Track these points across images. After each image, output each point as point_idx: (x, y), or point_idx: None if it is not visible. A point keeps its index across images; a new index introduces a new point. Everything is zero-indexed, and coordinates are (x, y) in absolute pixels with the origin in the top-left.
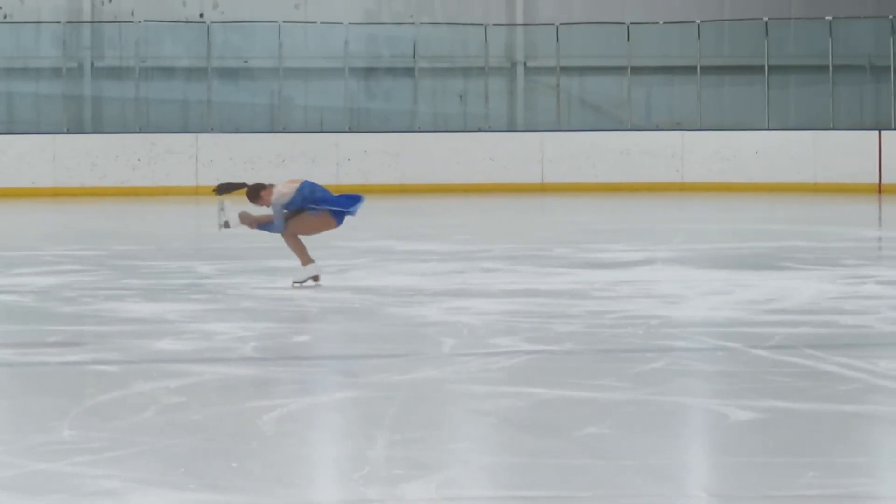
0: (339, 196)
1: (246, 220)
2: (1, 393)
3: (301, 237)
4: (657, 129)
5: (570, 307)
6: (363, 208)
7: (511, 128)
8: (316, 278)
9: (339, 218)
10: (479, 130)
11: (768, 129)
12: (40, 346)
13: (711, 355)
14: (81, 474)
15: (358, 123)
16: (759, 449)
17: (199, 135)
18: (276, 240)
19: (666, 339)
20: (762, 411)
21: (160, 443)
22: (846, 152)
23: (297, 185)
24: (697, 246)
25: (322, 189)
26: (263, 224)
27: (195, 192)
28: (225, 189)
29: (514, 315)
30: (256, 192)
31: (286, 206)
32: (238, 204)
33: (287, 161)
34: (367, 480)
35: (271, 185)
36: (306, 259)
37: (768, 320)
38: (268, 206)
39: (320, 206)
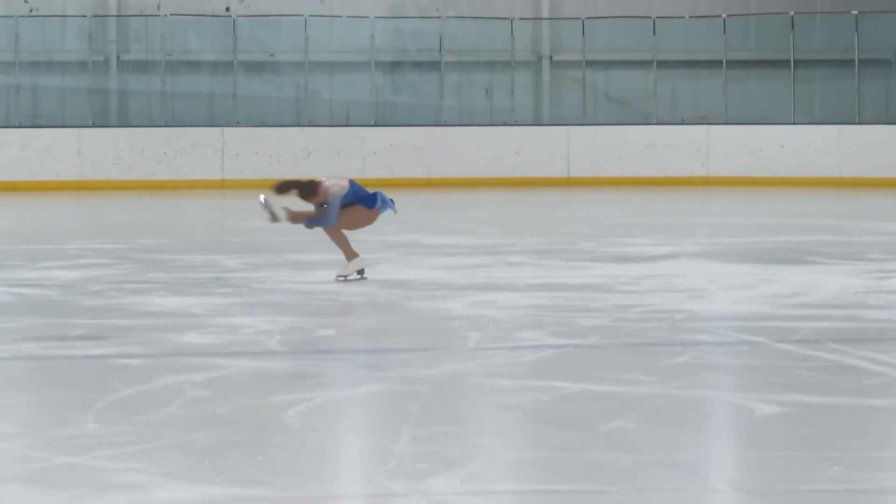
0: (376, 193)
1: (296, 218)
2: (26, 386)
3: (344, 231)
4: (682, 123)
5: (595, 301)
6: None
7: (537, 122)
8: (361, 272)
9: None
10: (505, 124)
11: (794, 124)
12: (65, 339)
13: (736, 349)
14: (106, 468)
15: (383, 117)
16: (784, 443)
17: (225, 128)
18: (302, 233)
19: (691, 333)
20: (787, 405)
21: (185, 437)
22: (871, 146)
23: (346, 180)
24: (722, 240)
25: (360, 187)
26: (313, 219)
27: (221, 185)
28: (284, 188)
29: (539, 309)
30: (313, 189)
31: (343, 200)
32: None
33: (312, 155)
34: (392, 475)
35: (320, 181)
36: (351, 253)
37: (793, 314)
38: (319, 203)
39: (368, 202)
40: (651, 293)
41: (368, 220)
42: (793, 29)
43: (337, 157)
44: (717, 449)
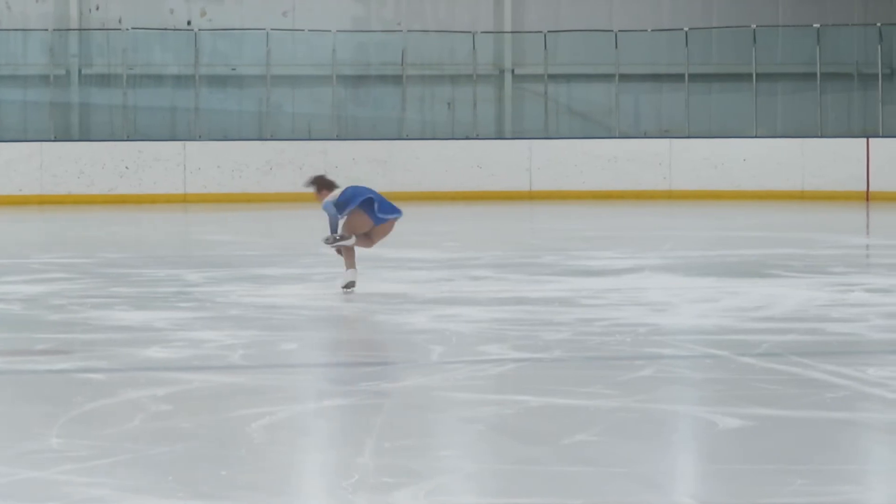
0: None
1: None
2: None
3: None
4: (645, 136)
5: (559, 315)
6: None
7: (499, 135)
8: (349, 285)
9: (374, 219)
10: (467, 138)
11: (756, 137)
12: (28, 353)
13: (699, 363)
14: (70, 482)
15: (346, 131)
16: (747, 456)
17: (187, 142)
18: (263, 247)
19: (654, 347)
20: (750, 419)
21: (148, 451)
22: (834, 160)
23: (343, 190)
24: (685, 253)
25: (363, 192)
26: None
27: (183, 199)
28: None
29: (502, 323)
30: (327, 185)
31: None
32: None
33: (275, 168)
34: (356, 488)
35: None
36: (350, 264)
37: (756, 328)
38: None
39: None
40: (614, 307)
41: (363, 224)
42: (755, 42)
43: (299, 171)
44: (681, 462)
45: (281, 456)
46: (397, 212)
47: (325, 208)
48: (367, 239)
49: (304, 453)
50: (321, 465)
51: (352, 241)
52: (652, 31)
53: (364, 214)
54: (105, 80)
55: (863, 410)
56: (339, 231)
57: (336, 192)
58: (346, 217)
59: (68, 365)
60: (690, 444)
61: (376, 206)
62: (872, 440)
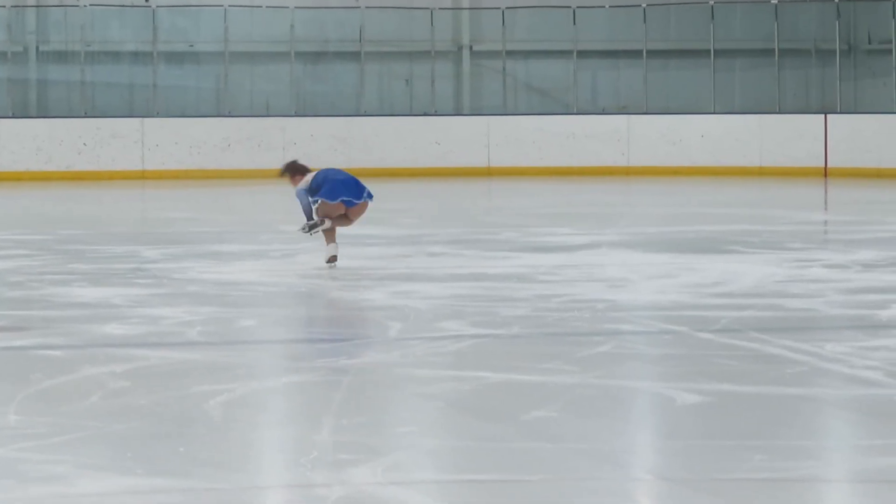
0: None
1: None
2: None
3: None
4: (603, 112)
5: (517, 291)
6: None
7: (457, 112)
8: (332, 259)
9: (347, 203)
10: (426, 114)
11: (714, 113)
12: None
13: (657, 339)
14: (28, 459)
15: (304, 107)
16: (706, 432)
17: (145, 119)
18: (221, 223)
19: (612, 323)
20: (708, 394)
21: (106, 428)
22: (792, 136)
23: (314, 174)
24: (643, 229)
25: (333, 178)
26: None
27: (141, 176)
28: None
29: (460, 299)
30: (298, 171)
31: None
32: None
33: (233, 145)
34: (314, 465)
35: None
36: (330, 238)
37: (714, 303)
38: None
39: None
40: (572, 283)
41: (336, 210)
42: (713, 18)
43: (258, 148)
44: (640, 438)
45: (239, 433)
46: (367, 195)
47: (298, 196)
48: (345, 219)
49: (262, 430)
50: (279, 441)
51: (327, 224)
52: (610, 7)
53: (331, 204)
54: (63, 56)
55: (820, 386)
56: (314, 218)
57: (308, 178)
58: (318, 203)
59: (26, 342)
60: (649, 419)
61: (347, 198)
62: (830, 415)
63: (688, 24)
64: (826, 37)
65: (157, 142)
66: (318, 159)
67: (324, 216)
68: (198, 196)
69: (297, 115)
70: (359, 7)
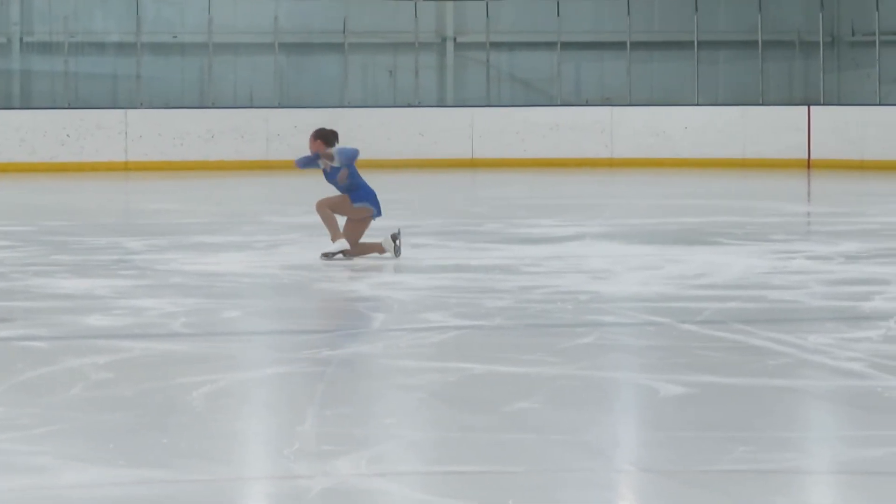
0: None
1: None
2: None
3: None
4: (587, 104)
5: (500, 282)
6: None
7: (441, 103)
8: (346, 252)
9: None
10: (409, 106)
11: (697, 105)
12: None
13: (641, 330)
14: (11, 450)
15: (288, 99)
16: (690, 423)
17: (129, 110)
18: (206, 215)
19: (596, 314)
20: (692, 386)
21: (89, 419)
22: (775, 128)
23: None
24: (627, 221)
25: (366, 184)
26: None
27: (125, 167)
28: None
29: (444, 290)
30: (329, 139)
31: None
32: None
33: (217, 136)
34: (298, 456)
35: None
36: (336, 234)
37: (698, 295)
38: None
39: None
40: (556, 274)
41: (366, 213)
42: (696, 10)
43: (241, 139)
44: (623, 429)
45: (222, 424)
46: (377, 209)
47: (304, 158)
48: (360, 223)
49: (245, 421)
50: (263, 433)
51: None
52: None
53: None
54: (46, 47)
55: (804, 377)
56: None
57: (332, 151)
58: (360, 205)
59: (9, 333)
60: (632, 411)
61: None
62: (813, 407)
63: (672, 16)
64: (810, 28)
65: (140, 133)
66: (302, 151)
67: (351, 236)
68: (181, 187)
69: (280, 106)
70: None
